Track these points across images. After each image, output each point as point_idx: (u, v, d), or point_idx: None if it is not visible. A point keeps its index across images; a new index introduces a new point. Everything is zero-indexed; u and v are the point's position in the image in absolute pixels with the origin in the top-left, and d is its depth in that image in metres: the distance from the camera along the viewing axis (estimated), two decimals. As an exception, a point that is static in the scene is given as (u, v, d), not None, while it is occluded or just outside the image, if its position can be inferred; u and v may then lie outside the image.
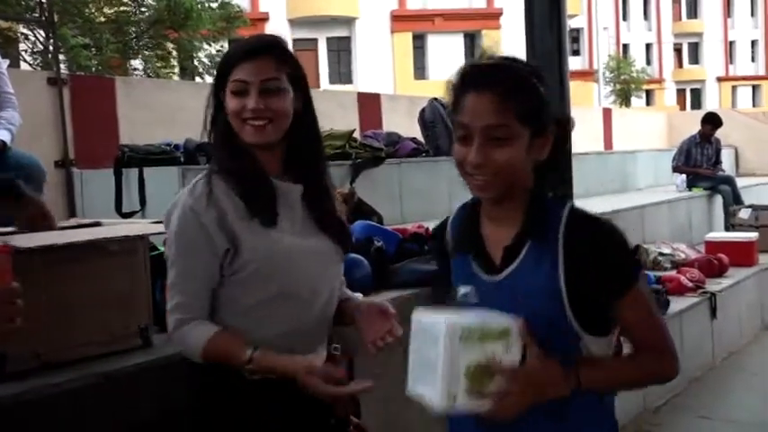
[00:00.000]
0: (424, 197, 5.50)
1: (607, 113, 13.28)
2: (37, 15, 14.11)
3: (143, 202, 4.21)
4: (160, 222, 2.75)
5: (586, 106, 21.91)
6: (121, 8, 16.58)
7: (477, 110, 1.43)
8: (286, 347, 1.76)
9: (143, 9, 17.02)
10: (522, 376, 1.38)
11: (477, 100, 1.43)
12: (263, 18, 29.89)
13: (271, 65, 1.78)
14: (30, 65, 14.84)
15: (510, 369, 1.38)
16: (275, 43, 1.84)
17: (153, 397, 2.08)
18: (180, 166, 4.28)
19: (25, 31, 15.11)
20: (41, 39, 14.92)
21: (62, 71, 5.51)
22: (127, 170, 4.29)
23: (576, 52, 40.02)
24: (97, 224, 2.38)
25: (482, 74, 1.48)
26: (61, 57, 13.20)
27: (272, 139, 1.80)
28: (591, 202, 6.95)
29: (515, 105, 1.43)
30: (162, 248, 2.69)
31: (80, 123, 5.03)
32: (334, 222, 1.92)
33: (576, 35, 40.00)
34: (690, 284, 5.73)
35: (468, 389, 1.33)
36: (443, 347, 1.31)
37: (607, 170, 8.97)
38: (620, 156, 10.00)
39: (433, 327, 1.35)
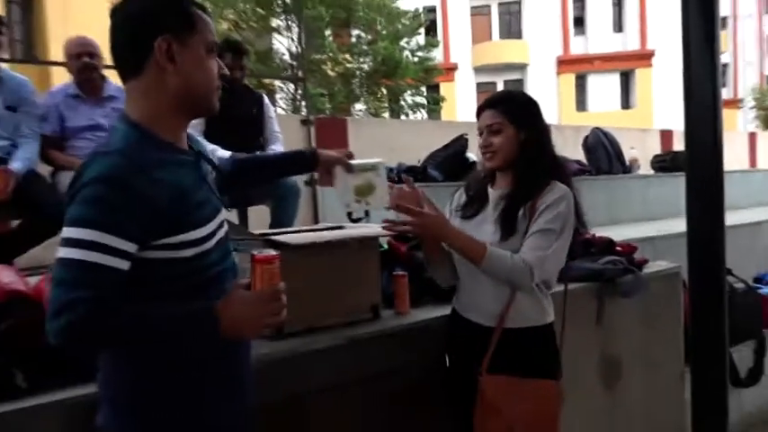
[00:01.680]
0: (586, 207, 5.29)
1: (752, 137, 12.01)
2: (290, 73, 15.31)
3: (367, 211, 4.39)
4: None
5: (731, 130, 19.96)
6: (348, 65, 17.37)
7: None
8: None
9: (363, 64, 17.72)
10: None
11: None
12: (453, 68, 29.96)
13: (492, 114, 2.00)
14: (283, 110, 15.93)
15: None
16: (500, 100, 2.03)
17: (381, 357, 2.18)
18: (396, 184, 4.42)
19: (279, 83, 16.28)
20: (291, 90, 16.03)
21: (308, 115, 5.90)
22: (356, 187, 4.49)
23: (723, 84, 36.52)
24: (340, 227, 2.53)
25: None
26: (303, 103, 14.18)
27: (495, 165, 2.00)
28: (736, 213, 6.36)
29: None
30: (385, 246, 2.79)
31: (322, 152, 5.35)
32: (508, 226, 1.93)
33: (723, 69, 36.52)
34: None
35: (355, 198, 1.95)
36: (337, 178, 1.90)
37: (752, 185, 8.10)
38: (765, 174, 8.99)
39: None
